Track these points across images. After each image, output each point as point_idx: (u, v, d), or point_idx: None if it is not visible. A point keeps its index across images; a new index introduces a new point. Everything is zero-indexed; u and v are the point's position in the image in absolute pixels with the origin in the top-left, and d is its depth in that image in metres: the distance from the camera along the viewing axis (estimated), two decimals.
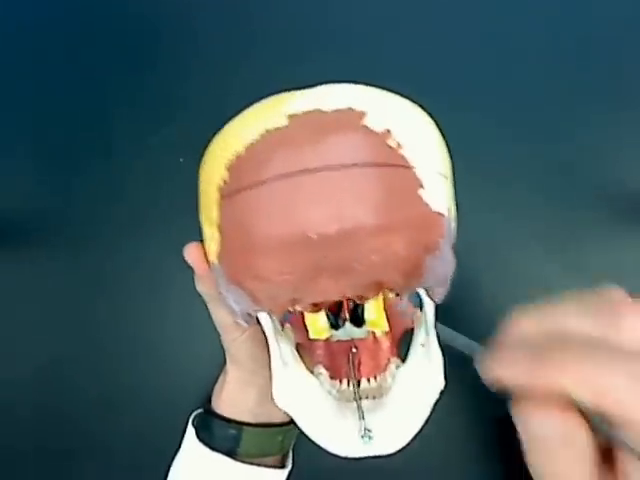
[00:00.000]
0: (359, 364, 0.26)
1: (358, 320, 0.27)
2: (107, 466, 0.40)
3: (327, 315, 0.27)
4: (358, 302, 0.25)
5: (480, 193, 0.38)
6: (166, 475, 0.36)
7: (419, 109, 0.24)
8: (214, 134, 0.42)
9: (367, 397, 0.25)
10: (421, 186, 0.22)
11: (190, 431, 0.35)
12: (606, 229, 0.40)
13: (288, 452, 0.37)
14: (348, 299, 0.25)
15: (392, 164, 0.21)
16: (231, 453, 0.33)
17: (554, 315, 0.19)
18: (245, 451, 0.33)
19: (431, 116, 0.25)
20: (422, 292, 0.24)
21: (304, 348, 0.26)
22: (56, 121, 0.43)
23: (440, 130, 0.24)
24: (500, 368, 0.18)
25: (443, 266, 0.23)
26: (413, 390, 0.23)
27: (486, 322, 0.39)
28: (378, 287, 0.23)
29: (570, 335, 0.18)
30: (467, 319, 0.38)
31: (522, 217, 0.39)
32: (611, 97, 0.42)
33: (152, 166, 0.42)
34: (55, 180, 0.42)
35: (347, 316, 0.27)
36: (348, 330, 0.27)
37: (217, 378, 0.37)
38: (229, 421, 0.34)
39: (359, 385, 0.26)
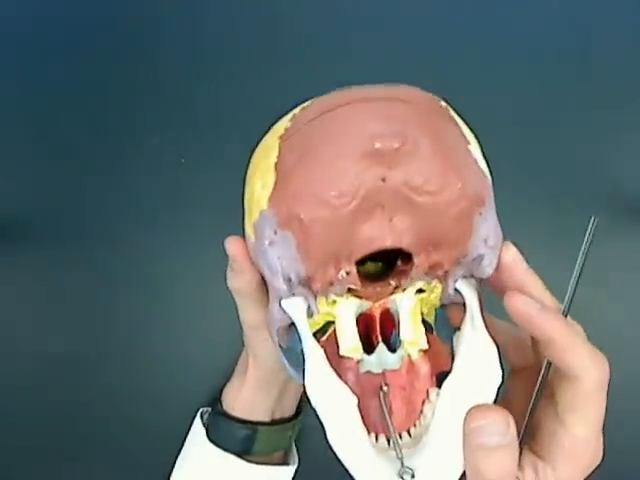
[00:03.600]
0: (390, 411, 0.24)
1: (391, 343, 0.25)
2: (107, 467, 0.40)
3: (359, 336, 0.24)
4: (400, 284, 0.23)
5: None
6: (169, 476, 0.36)
7: None
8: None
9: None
10: (469, 143, 0.23)
11: (199, 431, 0.35)
12: (605, 230, 0.40)
13: (291, 448, 0.37)
14: (393, 281, 0.24)
15: (447, 116, 0.23)
16: (244, 453, 0.33)
17: None
18: (258, 450, 0.33)
19: None
20: (462, 284, 0.24)
21: (332, 365, 0.24)
22: (57, 121, 0.43)
23: None
24: None
25: (487, 229, 0.23)
26: (458, 415, 0.21)
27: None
28: (426, 250, 0.22)
29: None
30: None
31: (521, 218, 0.40)
32: (611, 98, 0.43)
33: (154, 166, 0.42)
34: (55, 180, 0.42)
35: (379, 338, 0.25)
36: (381, 355, 0.25)
37: (220, 377, 0.37)
38: (245, 422, 0.33)
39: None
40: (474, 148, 0.23)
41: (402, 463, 0.22)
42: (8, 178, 0.42)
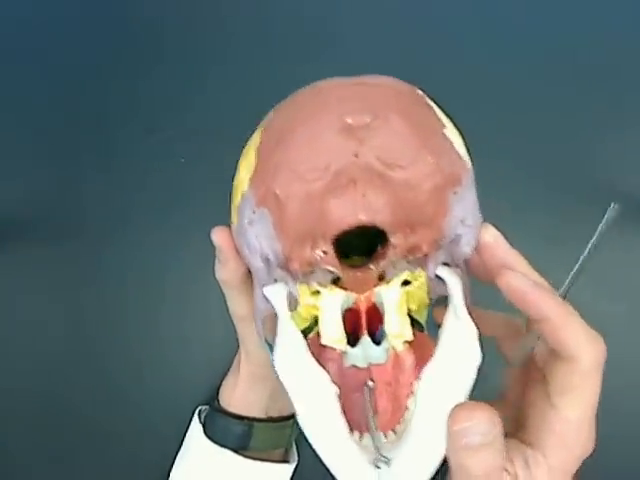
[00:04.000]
0: (375, 412, 0.23)
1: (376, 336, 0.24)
2: (107, 466, 0.40)
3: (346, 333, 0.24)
4: (379, 267, 0.23)
5: (478, 194, 0.39)
6: (168, 474, 0.36)
7: None
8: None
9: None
10: (444, 127, 0.23)
11: (197, 428, 0.35)
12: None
13: (292, 446, 0.37)
14: (373, 265, 0.23)
15: (422, 102, 0.23)
16: (241, 449, 0.33)
17: None
18: (255, 446, 0.33)
19: None
20: (444, 271, 0.23)
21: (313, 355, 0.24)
22: (57, 121, 0.43)
23: None
24: None
25: (464, 209, 0.23)
26: (438, 402, 0.21)
27: None
28: (403, 230, 0.22)
29: None
30: None
31: (521, 217, 0.40)
32: (612, 96, 0.43)
33: (153, 166, 0.42)
34: (55, 180, 0.42)
35: (365, 331, 0.24)
36: (365, 348, 0.24)
37: (216, 375, 0.37)
38: (241, 418, 0.33)
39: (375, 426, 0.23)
40: (450, 132, 0.23)
41: (378, 452, 0.22)
42: (8, 178, 0.42)
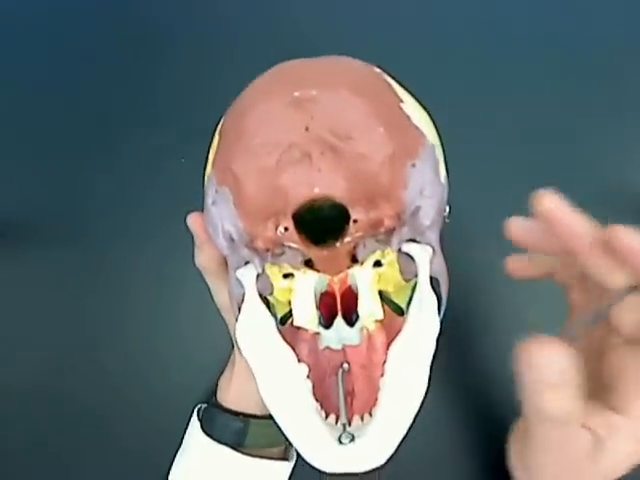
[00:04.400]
0: (352, 395, 0.24)
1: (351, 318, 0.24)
2: (108, 465, 0.40)
3: (318, 309, 0.24)
4: (343, 242, 0.23)
5: (479, 194, 0.38)
6: (168, 471, 0.36)
7: None
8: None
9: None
10: (401, 101, 0.23)
11: (195, 425, 0.35)
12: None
13: (291, 444, 0.37)
14: (338, 242, 0.23)
15: (378, 77, 0.24)
16: (237, 445, 0.33)
17: None
18: (251, 443, 0.33)
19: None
20: (411, 247, 0.24)
21: (285, 337, 0.24)
22: (57, 121, 0.44)
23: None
24: None
25: (422, 180, 0.23)
26: (402, 376, 0.22)
27: (490, 317, 0.38)
28: (363, 204, 0.22)
29: None
30: (468, 315, 0.39)
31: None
32: (612, 97, 0.42)
33: (154, 166, 0.42)
34: (56, 180, 0.43)
35: (339, 311, 0.24)
36: (339, 329, 0.24)
37: (220, 374, 0.37)
38: (237, 414, 0.33)
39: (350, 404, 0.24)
40: (408, 107, 0.23)
41: (344, 428, 0.22)
42: (8, 178, 0.43)
